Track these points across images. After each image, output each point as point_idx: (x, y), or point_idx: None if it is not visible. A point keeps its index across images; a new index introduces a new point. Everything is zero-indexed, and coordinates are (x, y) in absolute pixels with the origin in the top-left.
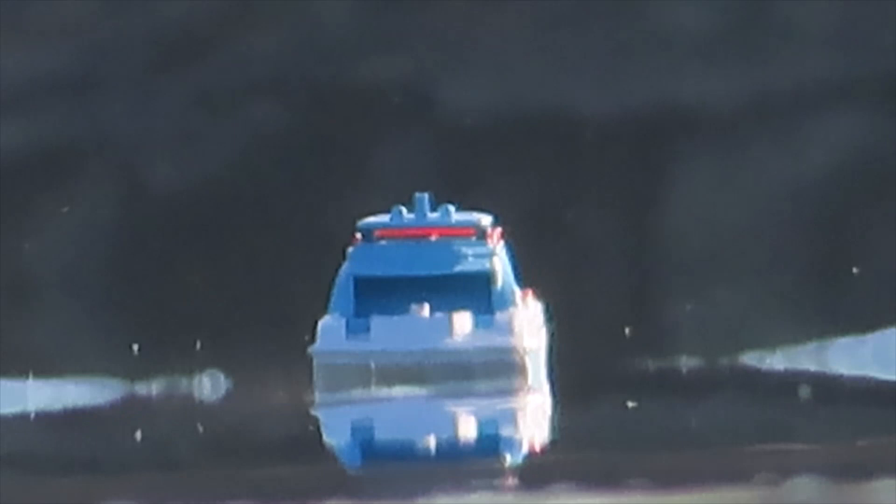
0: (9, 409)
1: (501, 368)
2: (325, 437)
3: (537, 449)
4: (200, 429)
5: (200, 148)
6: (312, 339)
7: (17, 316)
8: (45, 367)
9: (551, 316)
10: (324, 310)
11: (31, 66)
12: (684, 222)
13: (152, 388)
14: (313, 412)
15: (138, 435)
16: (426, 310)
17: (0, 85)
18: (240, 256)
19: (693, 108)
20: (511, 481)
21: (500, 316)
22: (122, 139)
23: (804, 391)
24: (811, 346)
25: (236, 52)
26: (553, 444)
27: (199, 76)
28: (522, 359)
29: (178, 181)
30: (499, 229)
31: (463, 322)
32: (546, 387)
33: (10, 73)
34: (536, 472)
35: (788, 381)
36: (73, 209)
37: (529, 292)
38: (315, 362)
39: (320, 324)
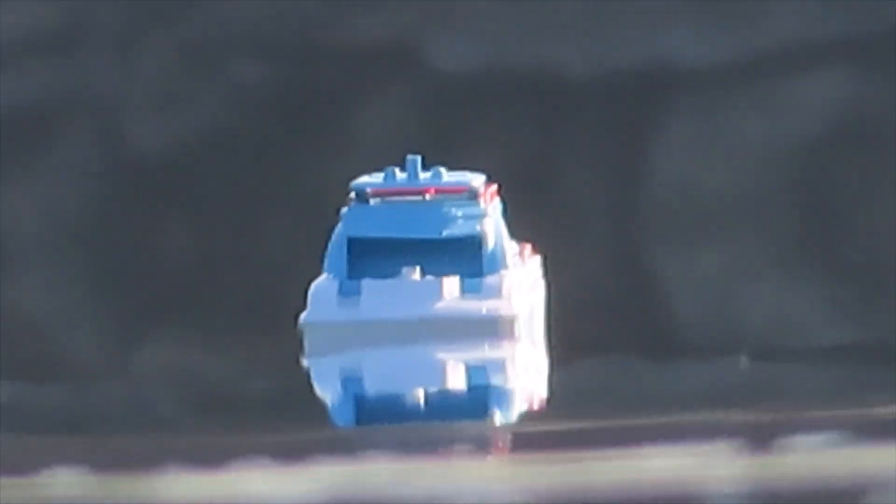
0: None
1: (490, 333)
2: (316, 396)
3: (524, 406)
4: (190, 391)
5: (184, 107)
6: (303, 303)
7: None
8: (21, 331)
9: (547, 271)
10: (315, 270)
11: (12, 24)
12: (672, 179)
13: (138, 351)
14: (304, 372)
15: (130, 398)
16: (417, 273)
17: None
18: (224, 217)
19: (680, 65)
20: (500, 440)
21: (489, 279)
22: (104, 98)
23: (743, 362)
24: (800, 305)
25: (219, 10)
26: (541, 401)
27: (182, 34)
28: (511, 323)
29: (161, 141)
30: (493, 188)
31: (453, 286)
32: (540, 345)
33: None
34: (523, 430)
35: (777, 342)
36: (56, 169)
37: (527, 247)
38: (305, 331)
39: (312, 288)
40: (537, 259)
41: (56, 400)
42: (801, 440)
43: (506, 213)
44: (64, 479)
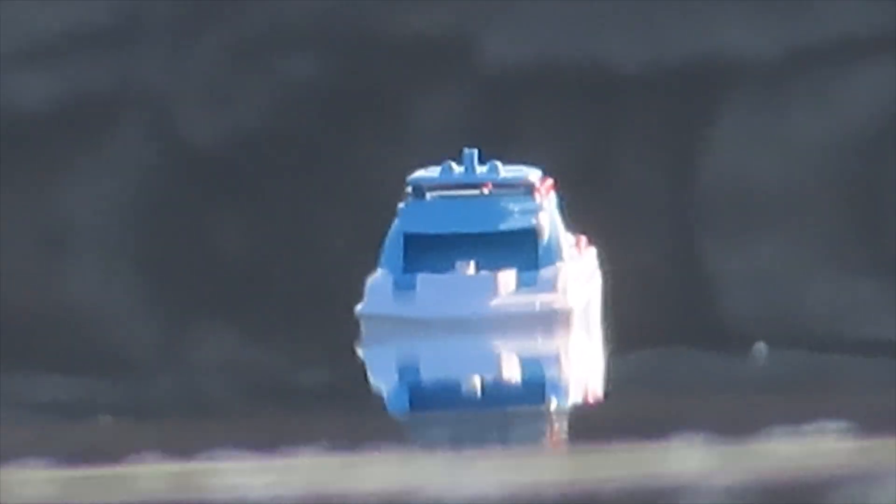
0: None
1: (545, 326)
2: (372, 383)
3: (579, 397)
4: (244, 377)
5: (239, 102)
6: (360, 297)
7: (49, 272)
8: (75, 322)
9: (603, 263)
10: (371, 266)
11: (64, 17)
12: (726, 172)
13: (195, 342)
14: (360, 362)
15: (181, 382)
16: (472, 267)
17: (33, 37)
18: (280, 213)
19: (734, 59)
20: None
21: (545, 273)
22: (158, 93)
23: (759, 349)
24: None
25: (272, 4)
26: (599, 392)
27: (236, 28)
28: (566, 316)
29: (215, 136)
30: (549, 181)
31: (508, 280)
32: (596, 337)
33: (42, 25)
34: (579, 419)
35: (832, 332)
36: (108, 163)
37: (582, 239)
38: (362, 322)
39: (368, 282)
40: (593, 251)
41: (112, 390)
42: (851, 429)
43: (562, 206)
44: (119, 466)
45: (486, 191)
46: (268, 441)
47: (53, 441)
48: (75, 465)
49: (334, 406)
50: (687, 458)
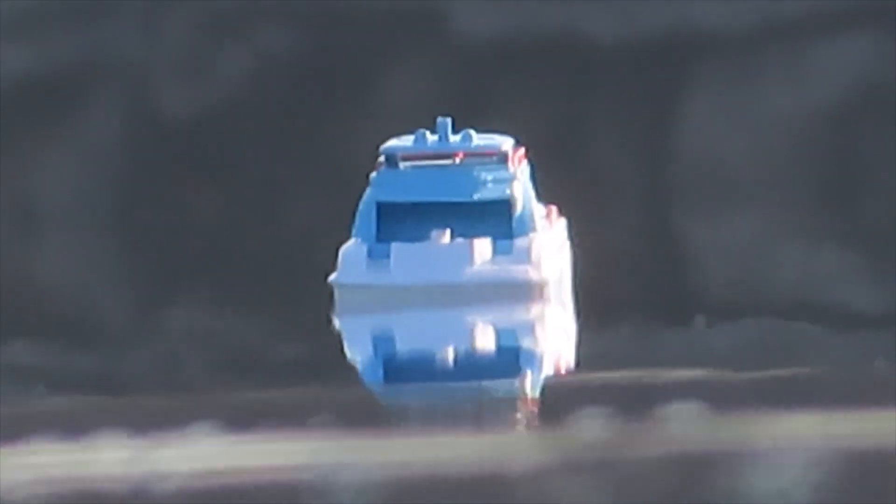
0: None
1: (520, 296)
2: (347, 355)
3: (554, 369)
4: (219, 351)
5: (211, 74)
6: (334, 266)
7: (22, 246)
8: (51, 296)
9: (573, 234)
10: (344, 234)
11: None
12: (698, 144)
13: (169, 314)
14: (335, 332)
15: (153, 355)
16: (447, 236)
17: (4, 10)
18: (253, 182)
19: (707, 30)
20: (528, 400)
21: (519, 242)
22: (130, 66)
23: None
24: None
25: None
26: (570, 364)
27: (208, 1)
28: (541, 286)
29: (188, 108)
30: (521, 150)
31: (483, 249)
32: (568, 308)
33: None
34: (553, 392)
35: (801, 306)
36: (83, 136)
37: (553, 209)
38: (336, 291)
39: (342, 251)
40: (563, 221)
41: (86, 362)
42: (821, 401)
43: (533, 175)
44: (95, 440)
45: (458, 160)
46: (242, 414)
47: (16, 415)
48: (43, 439)
49: (309, 378)
50: (658, 429)
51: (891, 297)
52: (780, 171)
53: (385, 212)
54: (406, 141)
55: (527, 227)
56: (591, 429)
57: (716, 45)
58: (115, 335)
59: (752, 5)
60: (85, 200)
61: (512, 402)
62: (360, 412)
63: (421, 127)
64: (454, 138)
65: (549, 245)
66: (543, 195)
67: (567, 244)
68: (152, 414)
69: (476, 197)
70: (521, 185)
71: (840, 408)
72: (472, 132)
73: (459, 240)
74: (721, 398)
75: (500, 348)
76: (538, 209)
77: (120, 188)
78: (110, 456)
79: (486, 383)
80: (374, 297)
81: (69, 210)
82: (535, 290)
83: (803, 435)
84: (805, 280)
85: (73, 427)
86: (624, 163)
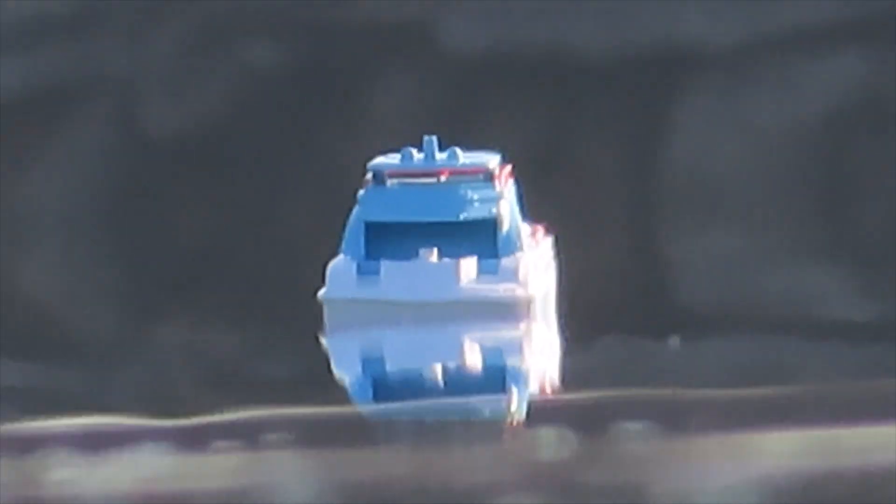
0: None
1: (507, 314)
2: (335, 373)
3: (540, 387)
4: (208, 370)
5: (198, 88)
6: (321, 283)
7: (10, 260)
8: (38, 311)
9: (559, 252)
10: (332, 251)
11: (25, 4)
12: (687, 160)
13: (157, 329)
14: (323, 349)
15: (141, 375)
16: (435, 255)
17: None
18: (240, 199)
19: (695, 46)
20: (515, 419)
21: (505, 261)
22: (118, 79)
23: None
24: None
25: None
26: (555, 382)
27: (195, 15)
28: (527, 305)
29: (176, 123)
30: (507, 168)
31: (469, 268)
32: (553, 326)
33: (3, 13)
34: (539, 410)
35: (789, 321)
36: (71, 150)
37: (539, 228)
38: (325, 307)
39: (330, 267)
40: (549, 240)
41: (72, 378)
42: (810, 418)
43: (520, 193)
44: (80, 459)
45: (444, 178)
46: (228, 433)
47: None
48: (30, 457)
49: (297, 397)
50: (645, 448)
51: (880, 311)
52: (767, 187)
53: (373, 230)
54: (393, 158)
55: (513, 246)
56: (576, 447)
57: (705, 59)
58: (99, 352)
59: (740, 20)
60: (70, 216)
61: (499, 420)
62: (348, 430)
63: (408, 143)
64: (440, 156)
65: (536, 264)
66: (530, 212)
67: (553, 263)
68: (136, 432)
69: (463, 216)
70: (507, 203)
71: (832, 425)
72: (459, 150)
73: (447, 259)
74: (707, 416)
75: (487, 366)
76: (524, 227)
77: (105, 204)
78: (92, 473)
79: (474, 401)
80: (364, 312)
81: (54, 225)
82: (521, 309)
83: (791, 453)
84: (794, 296)
85: (62, 444)
86: (611, 178)
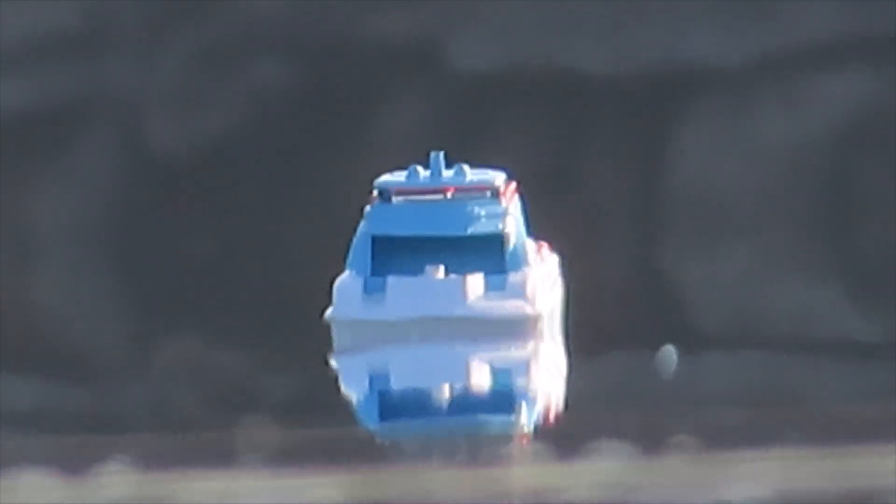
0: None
1: (514, 331)
2: (344, 394)
3: (547, 406)
4: (216, 389)
5: (207, 107)
6: (329, 300)
7: (18, 277)
8: (47, 330)
9: (565, 270)
10: (340, 268)
11: (33, 23)
12: (692, 178)
13: (165, 350)
14: (332, 369)
15: (148, 395)
16: (441, 271)
17: (2, 42)
18: (249, 216)
19: (700, 64)
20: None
21: (512, 277)
22: (126, 99)
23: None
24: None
25: (240, 9)
26: (565, 402)
27: (202, 33)
28: (535, 321)
29: (183, 142)
30: (513, 185)
31: (476, 284)
32: (560, 343)
33: (11, 31)
34: (546, 431)
35: (797, 339)
36: (79, 170)
37: (544, 245)
38: (333, 327)
39: (337, 285)
40: (554, 257)
41: (80, 396)
42: (820, 437)
43: (525, 210)
44: (85, 475)
45: (450, 194)
46: (236, 453)
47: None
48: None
49: (306, 417)
50: (654, 467)
51: (884, 330)
52: (773, 205)
53: (379, 245)
54: (399, 176)
55: (520, 261)
56: (586, 467)
57: (708, 79)
58: (105, 371)
59: (745, 40)
60: (77, 236)
61: (507, 439)
62: (356, 449)
63: (417, 160)
64: (447, 173)
65: (542, 280)
66: (535, 230)
67: (559, 280)
68: (143, 452)
69: (469, 231)
70: (513, 219)
71: (837, 444)
72: (465, 167)
73: (454, 275)
74: (713, 435)
75: (494, 384)
76: (530, 244)
77: (112, 224)
78: (98, 493)
79: (482, 420)
80: (371, 332)
81: (60, 246)
82: (528, 326)
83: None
84: (799, 315)
85: (63, 464)
86: (617, 197)
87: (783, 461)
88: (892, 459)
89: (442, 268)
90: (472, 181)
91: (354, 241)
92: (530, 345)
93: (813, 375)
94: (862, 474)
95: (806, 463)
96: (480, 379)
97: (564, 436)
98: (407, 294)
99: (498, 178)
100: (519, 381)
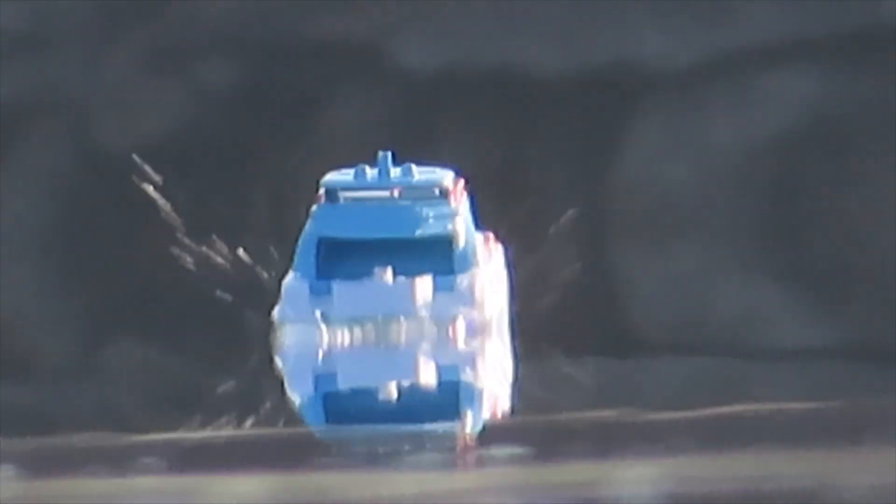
0: None
1: (462, 332)
2: (288, 396)
3: (494, 407)
4: (155, 387)
5: (152, 108)
6: (275, 301)
7: None
8: None
9: (511, 262)
10: (285, 269)
11: None
12: (641, 177)
13: (107, 350)
14: (275, 369)
15: (91, 393)
16: (389, 274)
17: None
18: (195, 218)
19: (649, 63)
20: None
21: (461, 279)
22: (71, 99)
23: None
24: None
25: (186, 10)
26: (510, 401)
27: (149, 33)
28: (484, 325)
29: (128, 141)
30: (461, 183)
31: (425, 286)
32: (507, 341)
33: None
34: (493, 434)
35: (742, 341)
36: (21, 170)
37: (491, 236)
38: (279, 327)
39: (283, 286)
40: (501, 248)
41: (23, 399)
42: (762, 438)
43: (473, 206)
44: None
45: (398, 195)
46: (176, 454)
47: None
48: None
49: (249, 417)
50: (603, 472)
51: (831, 332)
52: (722, 205)
53: (325, 247)
54: (346, 174)
55: (468, 263)
56: (530, 469)
57: (657, 78)
58: (49, 372)
59: (696, 40)
60: (22, 236)
61: (452, 441)
62: (300, 451)
63: (363, 160)
64: (395, 172)
65: (491, 280)
66: (483, 224)
67: (505, 273)
68: (84, 454)
69: (418, 233)
70: (462, 220)
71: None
72: (413, 166)
73: (401, 278)
74: (660, 438)
75: (441, 386)
76: (478, 239)
77: (56, 224)
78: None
79: (427, 421)
80: (317, 334)
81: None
82: (476, 328)
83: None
84: (744, 315)
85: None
86: (566, 195)
87: (727, 463)
88: (834, 459)
89: (390, 269)
90: (420, 180)
91: (300, 241)
92: (478, 344)
93: (756, 378)
94: (795, 476)
95: (746, 465)
96: (427, 380)
97: (509, 438)
98: (354, 297)
99: (446, 177)
100: (466, 381)
